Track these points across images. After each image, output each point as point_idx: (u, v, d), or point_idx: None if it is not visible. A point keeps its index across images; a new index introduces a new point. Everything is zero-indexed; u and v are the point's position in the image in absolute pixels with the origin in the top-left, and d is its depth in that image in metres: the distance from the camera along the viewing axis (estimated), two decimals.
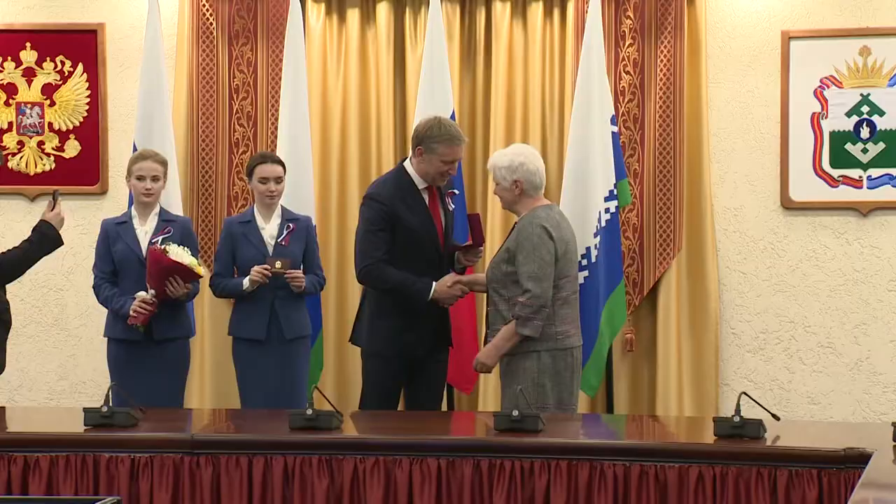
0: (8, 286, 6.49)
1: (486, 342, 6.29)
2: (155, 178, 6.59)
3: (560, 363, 6.12)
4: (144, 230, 6.60)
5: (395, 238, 6.34)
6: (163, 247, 6.40)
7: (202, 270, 6.59)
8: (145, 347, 6.53)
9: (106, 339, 6.68)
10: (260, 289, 6.57)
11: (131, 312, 6.44)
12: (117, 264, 6.58)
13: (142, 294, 6.45)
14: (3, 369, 6.37)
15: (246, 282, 6.56)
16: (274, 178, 6.65)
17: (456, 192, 6.60)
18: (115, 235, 6.61)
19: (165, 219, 6.65)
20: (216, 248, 6.87)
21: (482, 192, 7.66)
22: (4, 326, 6.39)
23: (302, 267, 6.66)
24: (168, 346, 6.59)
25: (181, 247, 6.46)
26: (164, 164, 6.65)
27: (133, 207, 6.69)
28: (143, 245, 6.56)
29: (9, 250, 6.34)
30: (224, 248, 6.71)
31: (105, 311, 6.68)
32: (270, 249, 6.63)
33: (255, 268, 6.54)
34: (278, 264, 6.51)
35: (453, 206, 6.58)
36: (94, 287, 6.65)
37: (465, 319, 7.03)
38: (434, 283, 6.32)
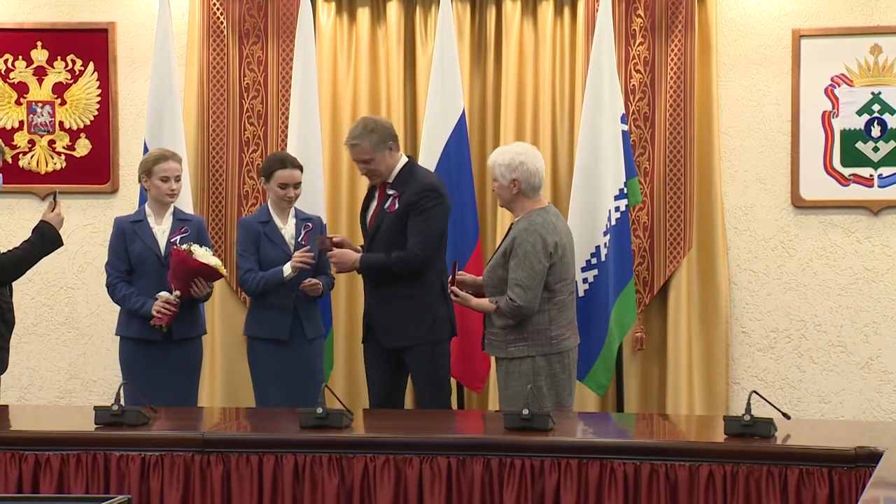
0: (18, 285, 6.50)
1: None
2: (177, 179, 6.61)
3: (556, 366, 6.12)
4: (161, 229, 6.60)
5: None
6: (186, 248, 6.41)
7: (225, 271, 6.61)
8: (161, 347, 6.52)
9: (118, 337, 6.69)
10: (280, 289, 6.58)
11: (155, 313, 6.44)
12: (134, 263, 6.58)
13: (165, 294, 6.45)
14: (5, 369, 6.37)
15: (287, 268, 6.56)
16: (293, 184, 6.66)
17: (393, 192, 6.55)
18: (131, 234, 6.60)
19: (180, 218, 6.66)
20: (237, 247, 6.78)
21: (492, 191, 7.63)
22: (7, 326, 6.38)
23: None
24: (184, 345, 6.59)
25: (203, 247, 6.48)
26: (181, 162, 6.68)
27: (147, 206, 6.68)
28: (162, 244, 6.57)
29: (9, 250, 6.33)
30: (250, 245, 6.68)
31: (116, 309, 6.68)
32: (291, 249, 6.64)
33: (297, 253, 6.55)
34: (326, 242, 6.53)
35: (396, 207, 6.51)
36: (108, 285, 6.64)
37: (473, 320, 7.02)
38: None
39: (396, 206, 6.51)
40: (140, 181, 6.70)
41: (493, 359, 6.70)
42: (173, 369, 6.53)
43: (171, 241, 6.54)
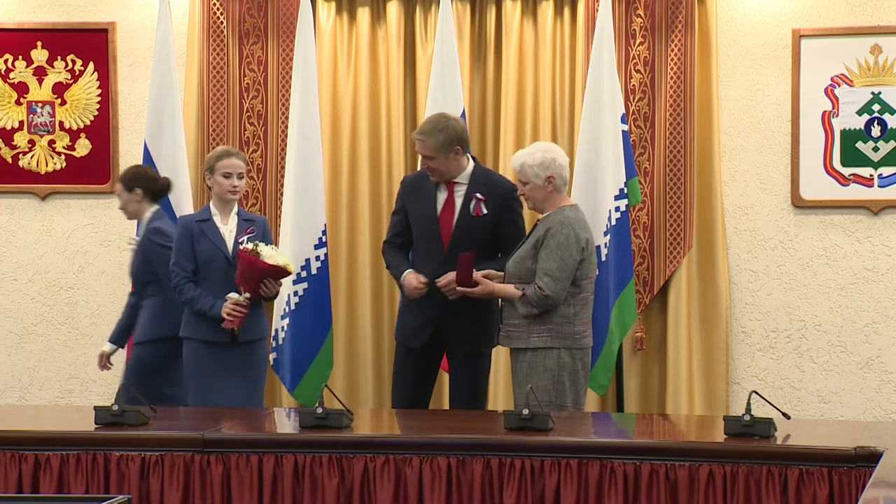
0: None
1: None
2: (240, 176, 6.53)
3: (578, 362, 6.14)
4: (228, 228, 6.53)
5: (408, 222, 6.60)
6: (252, 248, 6.33)
7: (293, 268, 6.56)
8: (229, 348, 6.45)
9: (183, 339, 6.57)
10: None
11: (226, 316, 6.36)
12: (201, 263, 6.46)
13: (234, 296, 6.37)
14: None
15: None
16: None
17: (478, 195, 6.50)
18: (198, 233, 6.48)
19: (245, 218, 6.59)
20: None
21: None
22: None
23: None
24: (249, 347, 6.52)
25: (270, 246, 6.45)
26: (244, 160, 6.64)
27: (212, 205, 6.57)
28: (229, 244, 6.49)
29: None
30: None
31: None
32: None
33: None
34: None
35: (485, 212, 6.44)
36: (174, 286, 6.49)
37: None
38: (408, 272, 6.45)
39: (484, 210, 6.44)
40: (204, 179, 6.61)
41: (496, 356, 6.71)
42: (239, 371, 6.46)
43: (239, 241, 6.46)
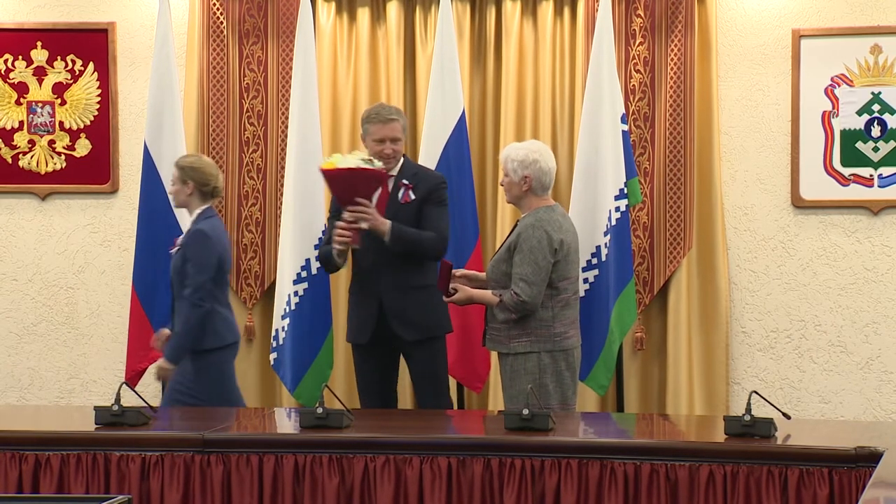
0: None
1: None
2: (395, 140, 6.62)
3: (560, 363, 6.14)
4: None
5: None
6: (332, 162, 6.35)
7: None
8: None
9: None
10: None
11: (341, 235, 6.37)
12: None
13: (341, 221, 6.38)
14: None
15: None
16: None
17: (405, 182, 6.54)
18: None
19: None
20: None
21: (492, 191, 7.65)
22: None
23: None
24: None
25: (338, 154, 6.51)
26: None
27: None
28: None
29: None
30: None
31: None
32: None
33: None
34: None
35: (413, 198, 6.51)
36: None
37: (473, 318, 7.03)
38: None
39: (412, 196, 6.50)
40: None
41: (495, 356, 6.71)
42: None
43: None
